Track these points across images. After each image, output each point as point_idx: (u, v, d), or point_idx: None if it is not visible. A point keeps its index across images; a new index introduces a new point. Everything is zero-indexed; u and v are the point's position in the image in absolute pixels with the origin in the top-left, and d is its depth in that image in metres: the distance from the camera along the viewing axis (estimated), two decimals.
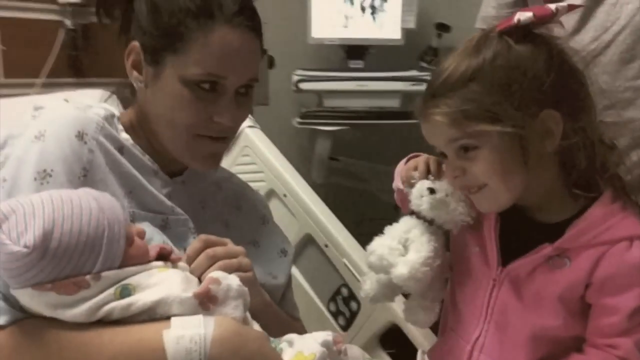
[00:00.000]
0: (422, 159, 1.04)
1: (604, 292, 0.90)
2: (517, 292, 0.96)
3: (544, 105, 0.88)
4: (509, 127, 0.87)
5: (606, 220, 0.90)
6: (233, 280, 0.89)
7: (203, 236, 0.97)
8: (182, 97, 0.97)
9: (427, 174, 1.02)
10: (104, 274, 0.80)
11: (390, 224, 1.06)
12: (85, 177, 0.94)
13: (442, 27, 2.42)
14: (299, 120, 2.29)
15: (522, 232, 0.96)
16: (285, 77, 2.39)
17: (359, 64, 2.54)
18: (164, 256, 0.90)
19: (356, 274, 1.50)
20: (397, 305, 1.45)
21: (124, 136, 1.04)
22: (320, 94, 2.42)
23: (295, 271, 1.63)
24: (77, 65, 2.07)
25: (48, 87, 1.98)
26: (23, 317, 0.81)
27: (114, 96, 1.46)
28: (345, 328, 1.56)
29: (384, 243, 1.02)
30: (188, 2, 0.96)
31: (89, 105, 1.04)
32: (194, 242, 0.96)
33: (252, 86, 1.04)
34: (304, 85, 2.35)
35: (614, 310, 0.89)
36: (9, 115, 1.11)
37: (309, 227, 1.60)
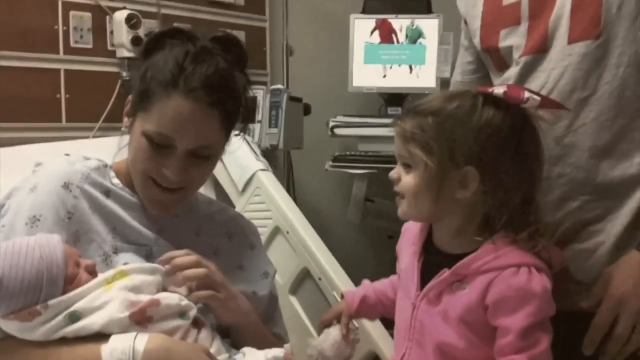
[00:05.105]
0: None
1: (498, 314, 1.01)
2: (429, 312, 1.09)
3: (470, 162, 1.03)
4: (434, 163, 1.03)
5: (496, 251, 1.03)
6: (172, 300, 1.06)
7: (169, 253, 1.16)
8: (141, 146, 1.17)
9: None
10: (51, 302, 1.00)
11: None
12: (70, 219, 1.15)
13: None
14: (330, 163, 2.44)
15: (438, 263, 1.10)
16: (325, 123, 2.56)
17: (397, 110, 2.67)
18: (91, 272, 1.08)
19: None
20: (377, 334, 1.56)
21: (115, 181, 1.25)
22: (355, 139, 2.57)
23: (294, 301, 1.80)
24: None
25: (104, 130, 2.25)
26: (6, 337, 1.04)
27: None
28: None
29: None
30: (164, 73, 1.15)
31: (87, 157, 1.26)
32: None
33: (211, 153, 1.20)
34: (339, 131, 2.52)
35: (508, 331, 1.00)
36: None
37: (306, 262, 1.75)
